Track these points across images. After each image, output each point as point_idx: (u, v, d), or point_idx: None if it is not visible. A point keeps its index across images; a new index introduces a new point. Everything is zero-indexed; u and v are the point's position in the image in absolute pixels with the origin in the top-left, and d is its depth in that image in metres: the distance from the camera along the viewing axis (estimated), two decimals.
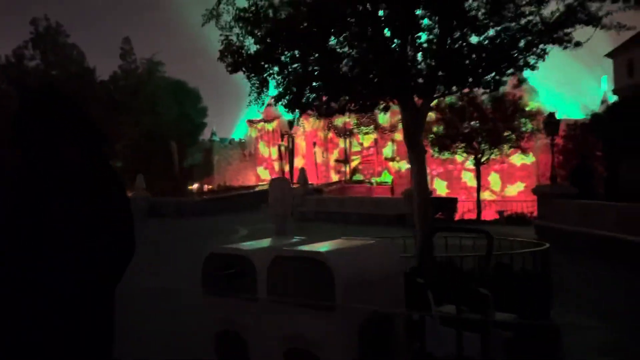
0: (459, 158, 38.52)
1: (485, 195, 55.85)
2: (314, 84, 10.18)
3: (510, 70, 9.57)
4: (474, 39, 9.73)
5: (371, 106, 11.24)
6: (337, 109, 11.01)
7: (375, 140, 56.23)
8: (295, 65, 10.20)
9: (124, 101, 59.46)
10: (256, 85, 10.88)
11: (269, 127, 64.89)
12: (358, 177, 57.37)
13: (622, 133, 18.90)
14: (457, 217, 27.81)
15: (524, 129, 28.53)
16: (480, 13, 9.04)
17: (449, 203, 28.04)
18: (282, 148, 55.77)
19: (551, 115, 20.91)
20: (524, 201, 40.54)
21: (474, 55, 9.20)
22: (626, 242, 14.45)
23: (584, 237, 16.02)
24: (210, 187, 73.60)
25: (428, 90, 9.83)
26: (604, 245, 15.23)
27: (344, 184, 53.38)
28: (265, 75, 10.63)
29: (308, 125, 61.71)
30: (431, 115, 56.08)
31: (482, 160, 29.29)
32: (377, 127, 56.13)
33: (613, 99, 57.46)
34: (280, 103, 11.03)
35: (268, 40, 9.86)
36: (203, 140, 74.75)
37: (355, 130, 56.46)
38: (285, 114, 69.80)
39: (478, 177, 29.98)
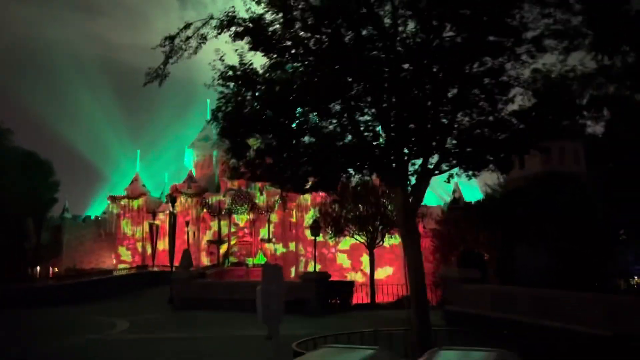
0: (342, 241, 38.31)
1: (357, 277, 56.89)
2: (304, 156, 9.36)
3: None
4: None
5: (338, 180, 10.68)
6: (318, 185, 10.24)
7: (253, 221, 54.90)
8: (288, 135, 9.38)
9: None
10: (239, 149, 9.79)
11: (134, 204, 60.21)
12: (232, 259, 54.92)
13: (515, 220, 20.35)
14: (353, 301, 27.26)
15: None
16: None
17: (346, 287, 27.46)
18: (153, 226, 51.63)
19: (455, 200, 21.99)
20: (401, 285, 41.83)
21: (495, 133, 9.03)
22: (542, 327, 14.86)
23: (500, 323, 16.26)
24: (56, 270, 64.95)
25: (432, 167, 9.47)
26: (521, 330, 15.51)
27: (223, 267, 50.54)
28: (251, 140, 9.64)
29: (178, 203, 58.50)
30: (305, 198, 57.01)
31: (377, 243, 29.69)
32: (254, 208, 55.14)
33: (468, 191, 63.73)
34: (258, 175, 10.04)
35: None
36: (52, 217, 66.77)
37: (231, 210, 54.75)
38: (152, 191, 65.33)
39: (372, 261, 30.17)
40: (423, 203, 32.07)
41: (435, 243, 34.92)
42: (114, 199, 61.22)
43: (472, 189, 78.03)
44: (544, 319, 15.13)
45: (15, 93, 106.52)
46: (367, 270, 56.65)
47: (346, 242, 52.24)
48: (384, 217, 28.01)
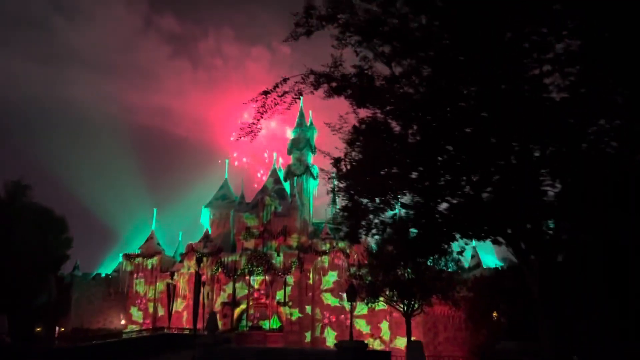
0: (380, 306, 36.74)
1: (376, 345, 54.55)
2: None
3: None
4: None
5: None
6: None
7: (271, 283, 53.51)
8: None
9: None
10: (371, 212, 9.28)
11: (149, 263, 59.11)
12: (245, 323, 53.07)
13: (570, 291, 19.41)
14: None
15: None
16: None
17: (383, 358, 26.00)
18: (170, 286, 50.31)
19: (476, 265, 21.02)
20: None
21: None
22: None
23: None
24: (62, 329, 63.05)
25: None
26: None
27: (241, 331, 48.78)
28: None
29: (193, 263, 57.29)
30: (323, 260, 55.78)
31: (415, 309, 28.34)
32: (270, 269, 53.91)
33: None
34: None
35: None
36: (62, 274, 65.64)
37: (247, 271, 53.54)
38: (167, 249, 64.39)
39: (408, 329, 28.66)
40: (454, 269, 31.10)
41: (467, 311, 33.58)
42: (128, 257, 60.20)
43: (487, 255, 76.48)
44: None
45: (33, 150, 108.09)
46: (386, 338, 54.63)
47: (363, 308, 50.37)
48: (423, 282, 26.81)
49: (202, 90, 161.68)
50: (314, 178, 66.06)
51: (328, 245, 55.19)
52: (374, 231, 10.23)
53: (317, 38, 9.52)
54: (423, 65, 8.74)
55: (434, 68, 8.60)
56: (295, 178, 64.79)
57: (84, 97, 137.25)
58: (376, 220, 10.16)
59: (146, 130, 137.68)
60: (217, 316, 54.41)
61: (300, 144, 65.47)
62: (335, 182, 10.83)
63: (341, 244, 56.08)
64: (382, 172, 9.44)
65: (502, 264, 43.81)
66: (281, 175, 65.83)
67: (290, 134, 68.26)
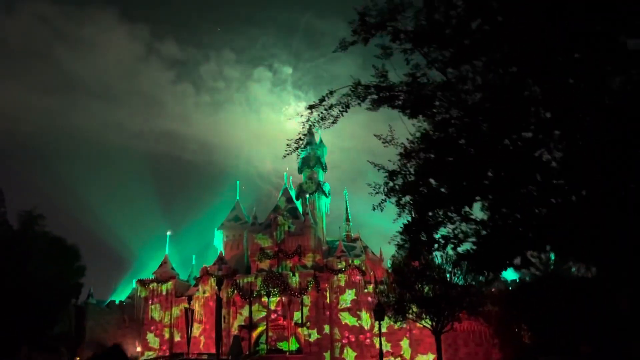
0: (396, 325, 35.90)
1: None
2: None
3: None
4: None
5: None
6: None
7: (288, 303, 52.69)
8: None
9: None
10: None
11: (163, 288, 58.52)
12: (265, 346, 52.17)
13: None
14: None
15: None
16: None
17: None
18: (188, 311, 49.65)
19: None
20: None
21: None
22: None
23: None
24: (78, 359, 62.48)
25: None
26: None
27: (262, 355, 47.93)
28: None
29: (209, 288, 56.55)
30: (340, 277, 54.93)
31: (443, 325, 27.63)
32: (286, 289, 53.12)
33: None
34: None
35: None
36: (76, 303, 65.18)
37: (263, 292, 52.76)
38: (182, 274, 63.85)
39: (438, 347, 27.97)
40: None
41: (494, 326, 32.80)
42: (142, 282, 59.66)
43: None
44: None
45: (43, 180, 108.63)
46: (407, 356, 53.50)
47: (382, 325, 49.21)
48: (452, 298, 26.19)
49: (206, 113, 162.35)
50: (326, 196, 65.69)
51: (344, 264, 54.54)
52: (435, 246, 9.83)
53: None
54: (486, 69, 8.46)
55: (495, 72, 8.32)
56: (308, 196, 64.41)
57: (90, 126, 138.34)
58: (437, 235, 9.77)
59: (153, 155, 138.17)
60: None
61: (311, 162, 65.22)
62: (383, 196, 10.43)
63: (357, 262, 55.38)
64: (446, 187, 9.04)
65: (519, 275, 43.04)
66: (293, 194, 65.47)
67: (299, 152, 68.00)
